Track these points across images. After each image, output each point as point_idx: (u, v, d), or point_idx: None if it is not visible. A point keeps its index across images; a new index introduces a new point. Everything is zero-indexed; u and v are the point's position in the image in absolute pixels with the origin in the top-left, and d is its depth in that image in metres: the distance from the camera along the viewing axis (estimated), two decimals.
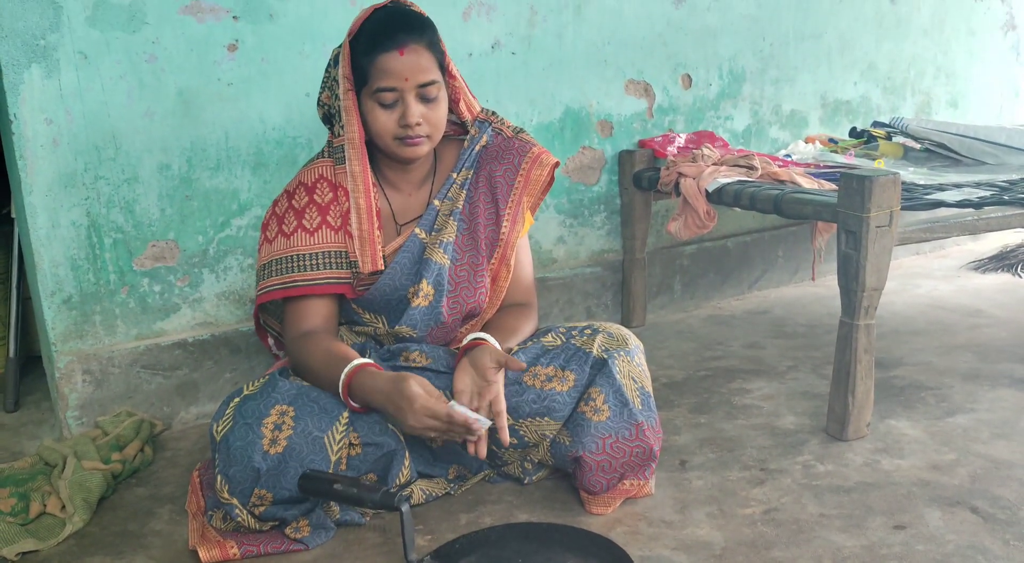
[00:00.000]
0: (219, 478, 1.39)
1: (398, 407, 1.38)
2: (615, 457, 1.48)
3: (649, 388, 1.54)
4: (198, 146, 1.91)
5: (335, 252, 1.57)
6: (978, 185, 2.04)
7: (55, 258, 1.81)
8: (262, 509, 1.40)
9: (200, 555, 1.40)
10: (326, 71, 1.59)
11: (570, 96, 2.40)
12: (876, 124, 2.79)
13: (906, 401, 1.96)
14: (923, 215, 1.86)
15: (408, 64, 1.47)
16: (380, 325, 1.63)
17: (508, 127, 1.68)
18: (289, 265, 1.56)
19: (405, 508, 1.31)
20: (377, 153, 1.60)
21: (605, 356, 1.52)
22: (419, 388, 1.38)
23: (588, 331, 1.58)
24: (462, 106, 1.63)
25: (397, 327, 1.60)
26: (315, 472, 1.38)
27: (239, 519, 1.40)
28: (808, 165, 2.33)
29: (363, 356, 1.54)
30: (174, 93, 1.86)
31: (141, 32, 1.80)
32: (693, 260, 2.73)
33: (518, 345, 1.59)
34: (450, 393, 1.47)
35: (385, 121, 1.51)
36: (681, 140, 2.48)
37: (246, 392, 1.45)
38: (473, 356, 1.47)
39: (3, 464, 1.73)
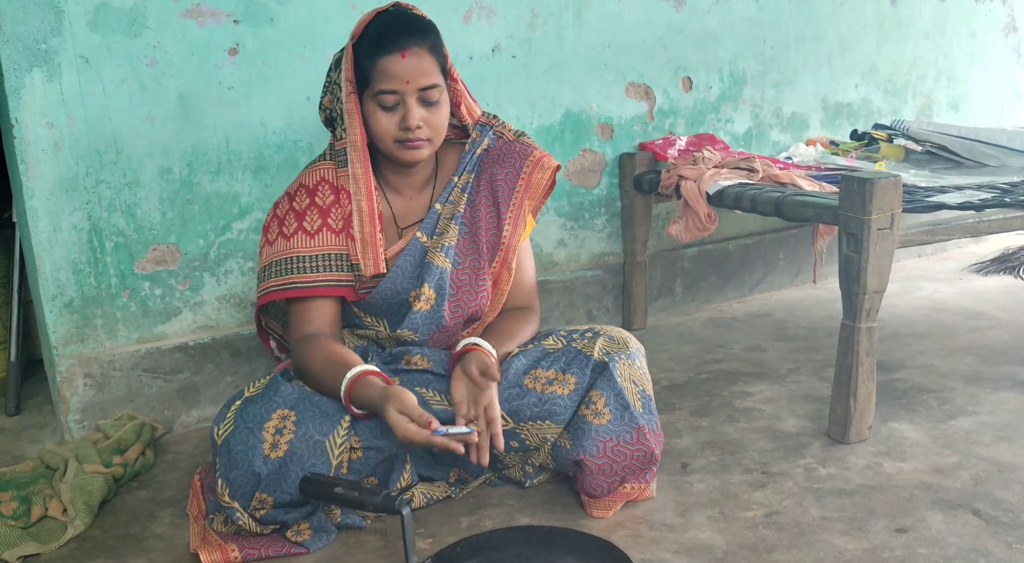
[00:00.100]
0: (220, 482, 1.39)
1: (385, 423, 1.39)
2: (616, 460, 1.48)
3: (650, 391, 1.54)
4: (199, 150, 1.91)
5: (336, 254, 1.57)
6: (979, 187, 2.04)
7: (56, 262, 1.81)
8: (263, 512, 1.40)
9: (201, 558, 1.40)
10: (327, 75, 1.59)
11: (570, 99, 2.40)
12: (877, 126, 2.78)
13: (908, 404, 1.96)
14: (924, 217, 1.85)
15: (410, 67, 1.47)
16: (382, 329, 1.63)
17: (509, 130, 1.68)
18: (289, 267, 1.56)
19: (406, 511, 1.31)
20: (379, 156, 1.60)
21: (606, 359, 1.52)
22: (399, 416, 1.34)
23: (589, 334, 1.58)
24: (463, 109, 1.63)
25: (399, 331, 1.60)
26: (316, 476, 1.38)
27: (240, 523, 1.40)
28: (809, 167, 2.33)
29: (365, 360, 1.55)
30: (175, 97, 1.86)
31: (142, 36, 1.81)
32: (694, 263, 2.72)
33: (519, 348, 1.59)
34: (449, 399, 1.49)
35: (386, 124, 1.51)
36: (682, 143, 2.48)
37: (247, 394, 1.45)
38: (464, 363, 1.48)
39: (4, 468, 1.73)
